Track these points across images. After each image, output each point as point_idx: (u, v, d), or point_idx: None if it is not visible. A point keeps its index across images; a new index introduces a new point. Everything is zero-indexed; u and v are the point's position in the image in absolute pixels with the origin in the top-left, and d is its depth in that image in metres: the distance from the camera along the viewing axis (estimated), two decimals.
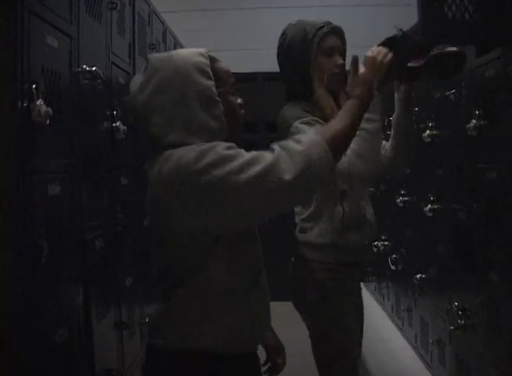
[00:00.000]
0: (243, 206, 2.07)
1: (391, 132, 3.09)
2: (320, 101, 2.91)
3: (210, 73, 2.19)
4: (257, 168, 2.05)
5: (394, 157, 3.07)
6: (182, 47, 5.77)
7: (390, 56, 2.61)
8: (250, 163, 2.06)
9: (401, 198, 4.98)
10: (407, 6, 7.01)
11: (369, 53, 2.61)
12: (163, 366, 2.23)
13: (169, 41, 4.69)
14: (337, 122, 2.23)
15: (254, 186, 2.04)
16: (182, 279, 2.20)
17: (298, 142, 2.12)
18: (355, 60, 2.53)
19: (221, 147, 2.09)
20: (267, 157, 2.07)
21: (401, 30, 2.69)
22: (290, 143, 2.12)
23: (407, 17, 4.81)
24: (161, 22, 4.74)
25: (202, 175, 2.03)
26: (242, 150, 2.11)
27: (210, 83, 2.18)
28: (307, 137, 2.15)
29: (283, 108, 3.02)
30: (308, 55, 2.93)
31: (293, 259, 3.16)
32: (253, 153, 2.09)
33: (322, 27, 2.97)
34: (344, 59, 3.00)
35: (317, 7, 8.58)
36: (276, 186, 2.04)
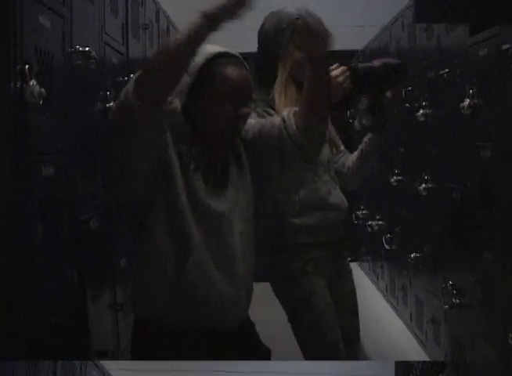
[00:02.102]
0: None
1: (360, 148, 3.26)
2: (277, 91, 2.97)
3: (191, 70, 2.34)
4: None
5: (353, 169, 3.26)
6: (174, 27, 5.68)
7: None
8: None
9: (395, 178, 4.97)
10: None
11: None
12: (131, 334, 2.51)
13: (162, 21, 4.64)
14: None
15: None
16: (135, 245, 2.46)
17: None
18: None
19: None
20: None
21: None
22: None
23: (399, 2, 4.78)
24: (154, 2, 4.66)
25: None
26: None
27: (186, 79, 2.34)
28: None
29: None
30: (278, 44, 2.95)
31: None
32: None
33: (297, 19, 2.90)
34: None
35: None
36: None
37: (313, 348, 3.02)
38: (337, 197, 3.12)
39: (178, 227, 2.33)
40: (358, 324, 3.25)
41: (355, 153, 3.27)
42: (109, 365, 3.14)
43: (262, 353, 2.65)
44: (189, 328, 2.38)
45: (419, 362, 2.81)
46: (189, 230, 2.34)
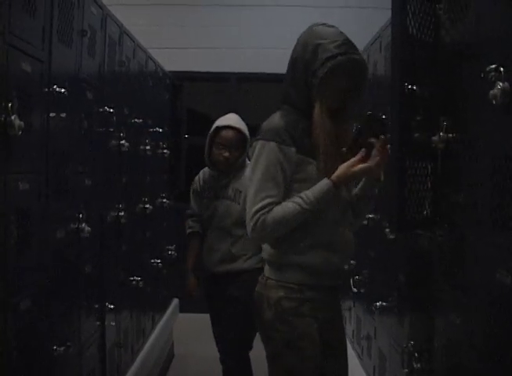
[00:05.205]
0: None
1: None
2: (316, 125, 2.90)
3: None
4: None
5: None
6: (152, 60, 5.81)
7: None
8: None
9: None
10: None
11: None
12: None
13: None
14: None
15: None
16: None
17: None
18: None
19: None
20: None
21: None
22: None
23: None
24: (132, 40, 4.83)
25: None
26: None
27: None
28: None
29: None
30: (315, 74, 2.88)
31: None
32: None
33: (337, 55, 2.87)
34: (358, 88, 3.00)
35: (299, 7, 8.17)
36: None
37: None
38: (347, 240, 3.03)
39: None
40: (347, 369, 3.18)
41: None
42: None
43: None
44: None
45: None
46: None
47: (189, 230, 4.74)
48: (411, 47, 2.74)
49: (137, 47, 5.01)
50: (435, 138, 2.68)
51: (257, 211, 2.85)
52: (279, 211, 2.83)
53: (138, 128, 4.95)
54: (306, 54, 2.91)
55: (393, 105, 2.81)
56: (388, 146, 2.83)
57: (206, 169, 4.69)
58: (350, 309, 5.73)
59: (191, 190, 4.77)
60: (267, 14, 8.44)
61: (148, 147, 5.28)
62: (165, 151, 6.33)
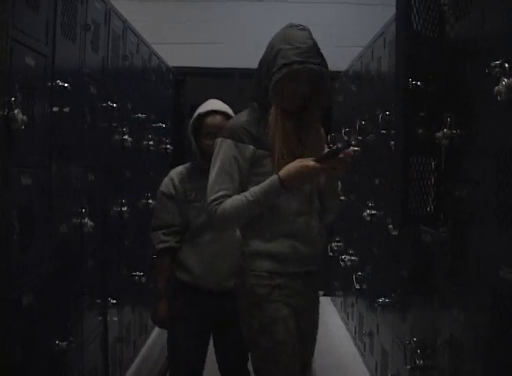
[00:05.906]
0: None
1: None
2: (270, 126, 2.96)
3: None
4: None
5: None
6: (155, 55, 5.81)
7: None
8: None
9: (368, 211, 4.50)
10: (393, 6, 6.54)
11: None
12: None
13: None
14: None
15: None
16: None
17: None
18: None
19: None
20: None
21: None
22: None
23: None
24: (135, 35, 4.84)
25: None
26: None
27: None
28: None
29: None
30: (271, 78, 2.91)
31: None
32: None
33: (294, 63, 2.87)
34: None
35: (298, 3, 8.13)
36: None
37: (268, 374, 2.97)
38: (314, 229, 3.02)
39: None
40: (312, 355, 3.22)
41: None
42: None
43: None
44: None
45: None
46: None
47: (161, 245, 3.74)
48: (415, 43, 2.73)
49: (140, 42, 5.01)
50: (439, 134, 2.68)
51: (210, 203, 2.95)
52: (227, 203, 2.93)
53: (141, 124, 4.96)
54: (270, 56, 2.96)
55: (397, 101, 2.80)
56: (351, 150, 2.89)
57: (182, 168, 3.84)
58: (352, 306, 5.72)
59: (160, 196, 3.79)
60: (269, 9, 8.39)
61: (151, 142, 5.28)
62: (168, 146, 6.33)
